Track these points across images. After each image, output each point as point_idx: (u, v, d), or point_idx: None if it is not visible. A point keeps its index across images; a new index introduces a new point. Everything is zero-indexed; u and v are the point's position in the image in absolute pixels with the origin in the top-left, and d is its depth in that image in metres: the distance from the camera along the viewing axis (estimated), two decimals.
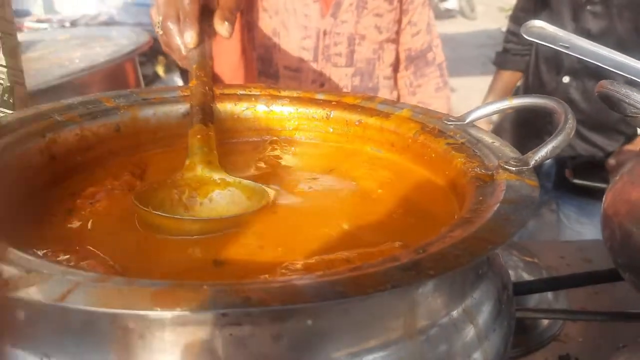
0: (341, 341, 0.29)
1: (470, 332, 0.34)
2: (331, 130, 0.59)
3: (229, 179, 0.49)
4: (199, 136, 0.52)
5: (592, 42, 0.63)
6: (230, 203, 0.49)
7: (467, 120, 0.50)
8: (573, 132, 0.43)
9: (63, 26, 2.61)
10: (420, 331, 0.32)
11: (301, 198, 0.50)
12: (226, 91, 0.61)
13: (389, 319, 0.31)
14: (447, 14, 9.81)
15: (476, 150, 0.46)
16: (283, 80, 1.28)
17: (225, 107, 0.60)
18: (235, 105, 0.60)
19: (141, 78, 1.34)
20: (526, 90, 1.69)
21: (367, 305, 0.30)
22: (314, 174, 0.54)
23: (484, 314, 0.35)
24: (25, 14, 3.10)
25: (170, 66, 2.97)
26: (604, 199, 0.60)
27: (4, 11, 0.77)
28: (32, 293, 0.25)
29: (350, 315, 0.29)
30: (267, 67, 1.28)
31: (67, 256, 0.36)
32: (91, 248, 0.39)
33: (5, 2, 0.77)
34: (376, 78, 1.32)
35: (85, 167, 0.52)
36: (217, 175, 0.49)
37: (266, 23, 1.24)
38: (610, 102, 0.53)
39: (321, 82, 1.28)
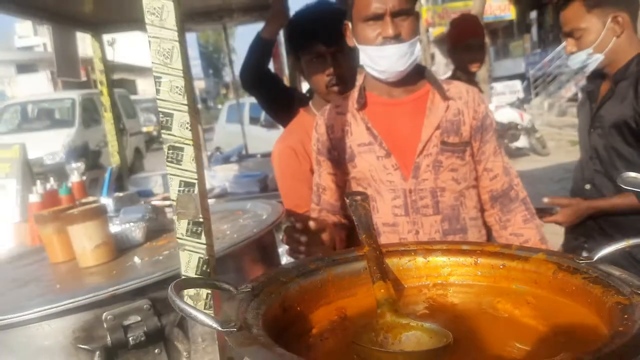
0: None
1: None
2: (479, 273, 0.75)
3: (413, 323, 0.64)
4: (382, 290, 0.69)
5: None
6: (416, 344, 0.62)
7: (596, 259, 0.65)
8: None
9: None
10: None
11: (470, 326, 0.64)
12: (390, 249, 0.79)
13: None
14: (519, 153, 10.07)
15: (610, 282, 0.59)
16: (384, 235, 1.50)
17: (392, 261, 0.78)
18: (400, 259, 0.78)
19: (277, 240, 1.58)
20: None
21: None
22: (474, 308, 0.69)
23: None
24: (149, 194, 3.59)
25: None
26: None
27: (204, 202, 1.02)
28: None
29: None
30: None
31: None
32: None
33: (202, 195, 1.03)
34: (462, 220, 1.50)
35: (301, 314, 0.69)
36: (403, 321, 0.65)
37: None
38: None
39: (416, 230, 1.48)
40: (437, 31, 24.24)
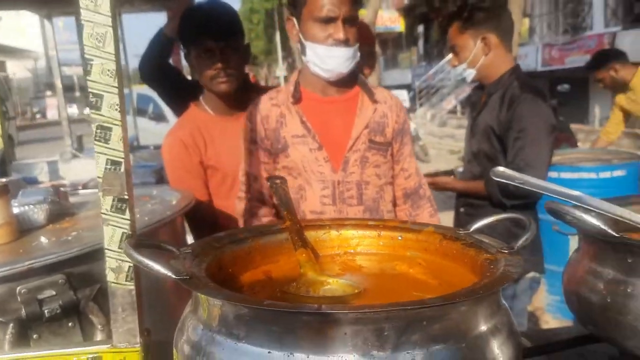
0: (428, 333, 0.57)
1: (500, 336, 0.62)
2: (381, 243, 0.90)
3: (330, 279, 0.78)
4: (304, 255, 0.81)
5: (536, 179, 0.97)
6: (332, 295, 0.76)
7: (471, 230, 0.82)
8: (536, 231, 0.75)
9: (77, 189, 2.92)
10: (472, 334, 0.60)
11: (375, 282, 0.79)
12: (309, 223, 0.92)
13: (460, 323, 0.59)
14: None
15: (481, 245, 0.77)
16: None
17: (310, 234, 0.90)
18: (316, 232, 0.91)
19: (185, 224, 1.65)
20: None
21: (446, 313, 0.58)
22: (378, 269, 0.84)
23: (506, 327, 0.64)
24: (34, 181, 3.41)
25: None
26: (562, 279, 0.91)
27: (130, 180, 1.07)
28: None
29: (439, 319, 0.58)
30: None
31: None
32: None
33: (127, 174, 1.08)
34: (381, 212, 1.68)
35: (232, 275, 0.80)
36: (322, 278, 0.78)
37: (292, 182, 1.60)
38: (556, 214, 0.86)
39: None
40: None
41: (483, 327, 0.62)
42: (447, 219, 2.79)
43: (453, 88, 18.56)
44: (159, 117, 11.07)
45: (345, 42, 1.53)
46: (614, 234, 0.76)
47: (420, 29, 25.75)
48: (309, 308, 0.54)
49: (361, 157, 1.62)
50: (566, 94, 10.42)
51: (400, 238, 0.88)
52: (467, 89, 17.89)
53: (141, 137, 5.37)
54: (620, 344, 0.79)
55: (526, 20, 17.42)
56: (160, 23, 2.54)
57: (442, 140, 13.79)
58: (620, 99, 3.92)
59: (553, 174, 3.66)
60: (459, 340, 0.58)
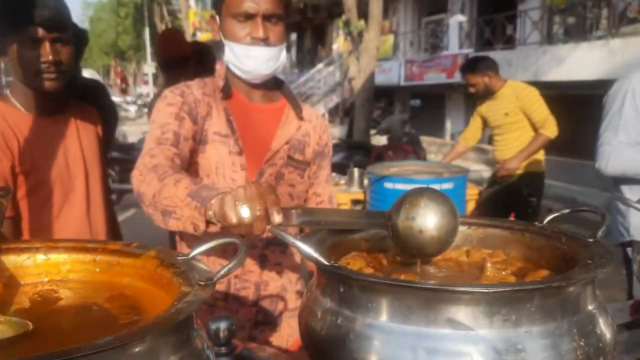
0: None
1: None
2: (98, 270, 0.78)
3: (2, 318, 0.65)
4: None
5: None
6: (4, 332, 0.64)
7: (191, 256, 0.74)
8: (245, 258, 0.68)
9: None
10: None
11: (59, 318, 0.68)
12: (11, 246, 0.78)
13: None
14: None
15: (189, 274, 0.69)
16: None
17: (9, 258, 0.76)
18: (18, 256, 0.77)
19: None
20: None
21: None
22: (79, 301, 0.73)
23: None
24: None
25: None
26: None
27: None
28: None
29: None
30: None
31: None
32: None
33: None
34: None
35: None
36: None
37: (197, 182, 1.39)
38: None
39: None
40: (204, 36, 24.42)
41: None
42: None
43: (322, 96, 19.04)
44: None
45: (265, 41, 1.40)
46: (324, 262, 0.72)
47: (293, 37, 26.12)
48: None
49: (277, 173, 1.48)
50: (423, 108, 11.08)
51: (117, 263, 0.78)
52: (335, 99, 18.50)
53: None
54: None
55: (391, 37, 18.41)
56: None
57: None
58: (482, 107, 4.20)
59: (389, 185, 3.81)
60: None
